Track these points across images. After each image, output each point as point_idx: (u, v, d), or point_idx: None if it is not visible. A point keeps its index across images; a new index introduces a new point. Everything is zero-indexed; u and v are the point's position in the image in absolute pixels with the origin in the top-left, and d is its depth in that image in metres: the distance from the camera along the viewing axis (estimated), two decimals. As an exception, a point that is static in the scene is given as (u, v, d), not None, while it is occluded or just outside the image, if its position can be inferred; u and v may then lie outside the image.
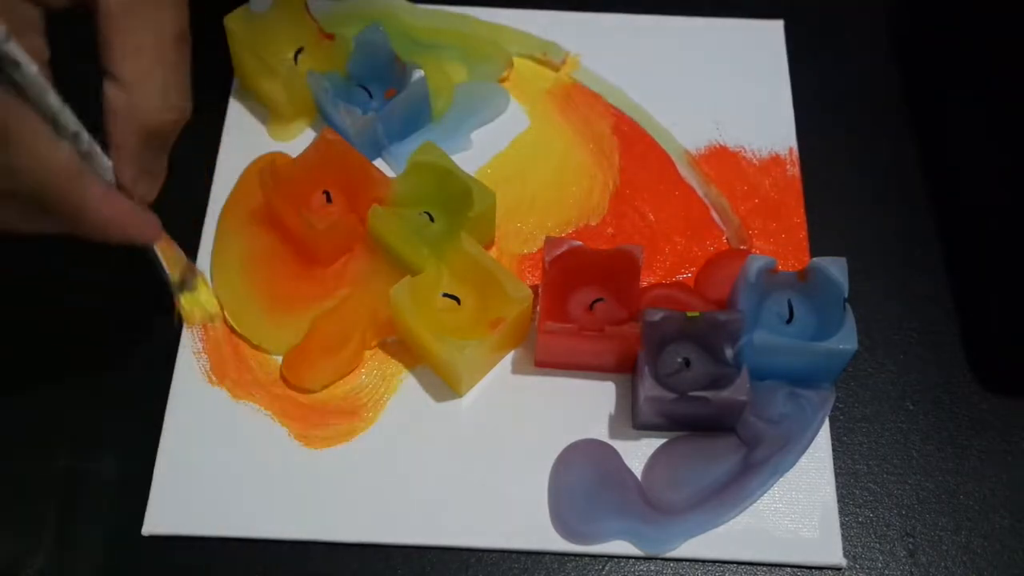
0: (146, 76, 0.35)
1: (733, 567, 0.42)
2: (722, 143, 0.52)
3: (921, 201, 0.51)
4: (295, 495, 0.43)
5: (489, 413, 0.45)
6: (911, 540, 0.43)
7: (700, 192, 0.51)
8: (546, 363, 0.46)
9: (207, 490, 0.43)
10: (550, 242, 0.44)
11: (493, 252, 0.49)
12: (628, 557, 0.42)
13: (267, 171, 0.47)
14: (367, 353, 0.46)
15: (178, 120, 0.37)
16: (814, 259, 0.44)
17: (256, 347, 0.46)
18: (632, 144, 0.52)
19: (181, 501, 0.43)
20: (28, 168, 0.33)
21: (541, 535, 0.42)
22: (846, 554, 0.43)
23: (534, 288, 0.45)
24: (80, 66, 0.36)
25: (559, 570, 0.42)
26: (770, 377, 0.44)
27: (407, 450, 0.44)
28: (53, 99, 0.34)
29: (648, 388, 0.42)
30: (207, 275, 0.48)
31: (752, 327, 0.43)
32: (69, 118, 0.35)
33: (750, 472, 0.43)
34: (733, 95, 0.54)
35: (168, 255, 0.42)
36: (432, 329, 0.43)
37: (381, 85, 0.51)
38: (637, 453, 0.44)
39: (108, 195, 0.36)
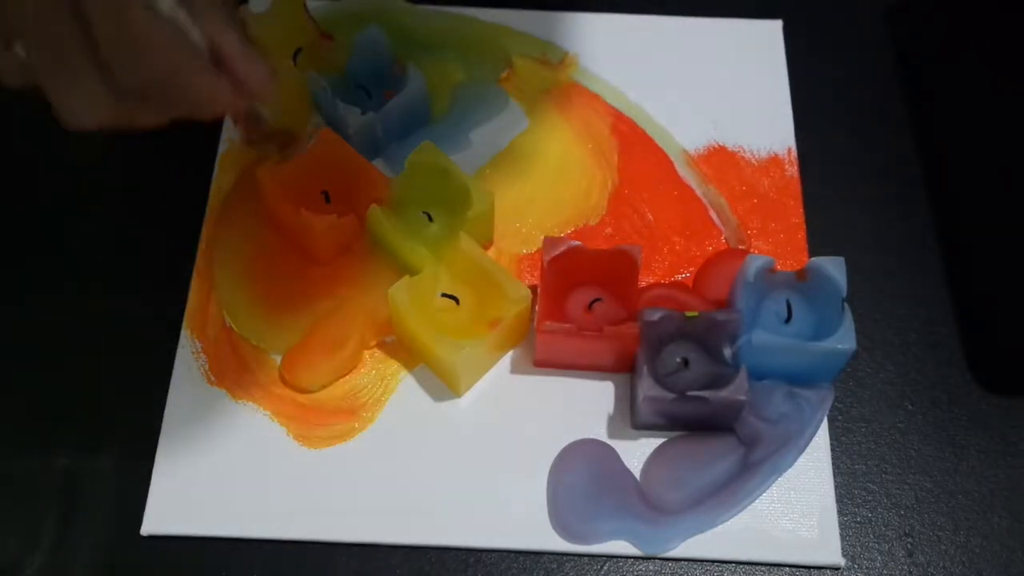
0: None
1: (732, 567, 0.42)
2: (721, 143, 0.52)
3: (920, 201, 0.51)
4: (295, 495, 0.43)
5: (488, 413, 0.45)
6: (910, 540, 0.43)
7: (699, 192, 0.51)
8: (545, 363, 0.46)
9: (207, 490, 0.43)
10: (549, 242, 0.44)
11: (492, 252, 0.49)
12: (627, 557, 0.42)
13: (266, 171, 0.47)
14: (366, 353, 0.46)
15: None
16: (812, 259, 0.44)
17: (255, 347, 0.46)
18: (631, 144, 0.52)
19: (181, 501, 0.43)
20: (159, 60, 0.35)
21: (540, 535, 0.42)
22: (845, 554, 0.43)
23: (533, 288, 0.45)
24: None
25: (558, 570, 0.42)
26: (769, 377, 0.44)
27: (406, 450, 0.44)
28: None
29: (647, 388, 0.42)
30: (209, 275, 0.48)
31: (751, 327, 0.43)
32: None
33: (749, 472, 0.43)
34: (732, 95, 0.54)
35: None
36: (431, 329, 0.43)
37: (380, 85, 0.51)
38: (636, 453, 0.44)
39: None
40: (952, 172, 0.52)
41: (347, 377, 0.46)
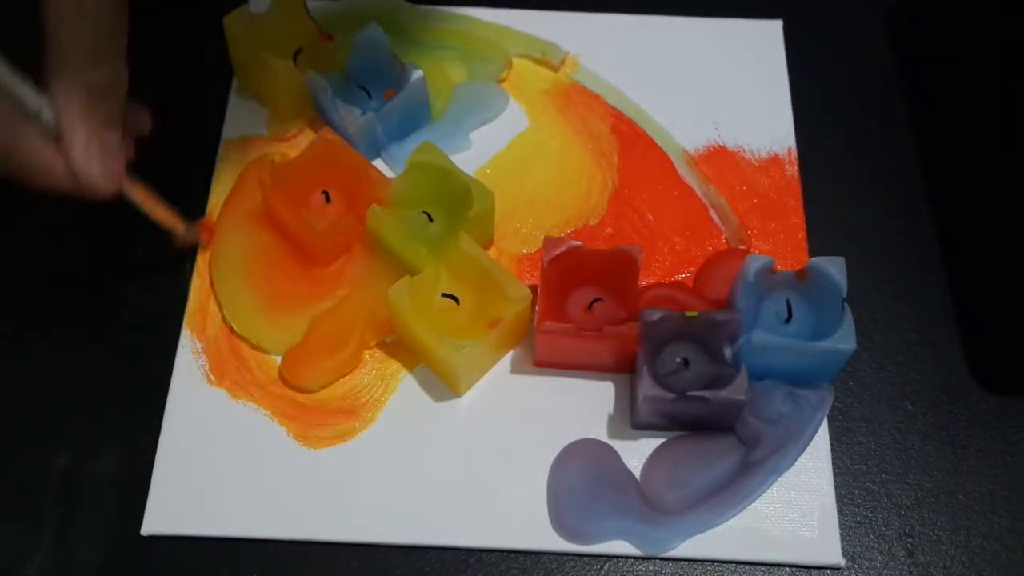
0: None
1: (732, 567, 0.42)
2: (721, 143, 0.52)
3: (920, 201, 0.51)
4: (295, 495, 0.43)
5: (488, 413, 0.45)
6: (910, 540, 0.43)
7: (699, 192, 0.51)
8: (545, 363, 0.46)
9: (207, 490, 0.43)
10: (549, 242, 0.44)
11: (492, 252, 0.49)
12: (627, 557, 0.42)
13: (266, 171, 0.47)
14: (366, 353, 0.46)
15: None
16: (813, 259, 0.44)
17: (255, 347, 0.46)
18: (631, 144, 0.52)
19: (181, 501, 0.43)
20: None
21: (540, 535, 0.42)
22: (845, 554, 0.43)
23: (533, 288, 0.45)
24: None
25: (558, 570, 0.42)
26: (769, 377, 0.44)
27: (406, 450, 0.44)
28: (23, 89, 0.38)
29: (647, 388, 0.42)
30: (209, 275, 0.48)
31: (751, 327, 0.43)
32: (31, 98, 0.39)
33: (749, 472, 0.43)
34: (732, 95, 0.54)
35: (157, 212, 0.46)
36: (431, 329, 0.43)
37: (380, 85, 0.51)
38: (636, 453, 0.44)
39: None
40: (952, 172, 0.52)
41: (347, 377, 0.46)
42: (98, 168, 0.40)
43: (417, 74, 0.50)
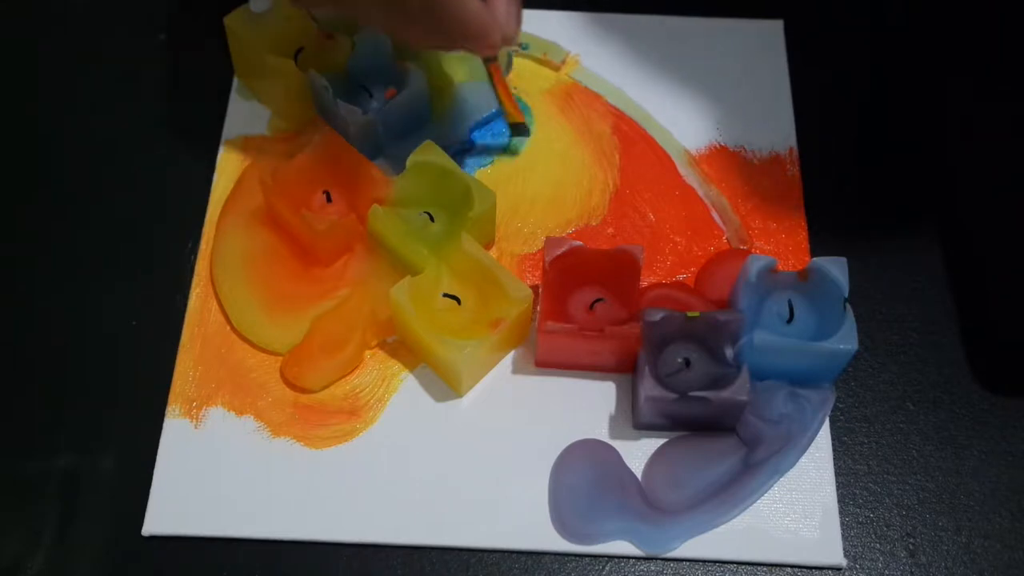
0: None
1: (733, 567, 0.42)
2: (722, 143, 0.52)
3: (921, 201, 0.51)
4: (295, 495, 0.43)
5: (489, 413, 0.45)
6: (911, 540, 0.43)
7: (700, 192, 0.51)
8: (546, 363, 0.46)
9: (207, 490, 0.43)
10: (550, 242, 0.44)
11: (493, 252, 0.49)
12: (628, 557, 0.42)
13: (267, 171, 0.47)
14: (367, 353, 0.46)
15: None
16: (814, 259, 0.44)
17: (257, 347, 0.46)
18: (632, 144, 0.52)
19: (181, 501, 0.43)
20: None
21: (541, 535, 0.42)
22: (846, 554, 0.43)
23: (534, 288, 0.45)
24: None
25: (559, 570, 0.42)
26: (770, 377, 0.44)
27: (407, 450, 0.44)
28: None
29: (648, 388, 0.42)
30: (210, 275, 0.48)
31: (752, 327, 0.43)
32: None
33: (750, 472, 0.43)
34: (733, 95, 0.54)
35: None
36: (432, 329, 0.43)
37: (381, 85, 0.51)
38: (637, 453, 0.44)
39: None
40: (954, 172, 0.52)
41: (348, 377, 0.46)
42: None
43: (418, 74, 0.49)
